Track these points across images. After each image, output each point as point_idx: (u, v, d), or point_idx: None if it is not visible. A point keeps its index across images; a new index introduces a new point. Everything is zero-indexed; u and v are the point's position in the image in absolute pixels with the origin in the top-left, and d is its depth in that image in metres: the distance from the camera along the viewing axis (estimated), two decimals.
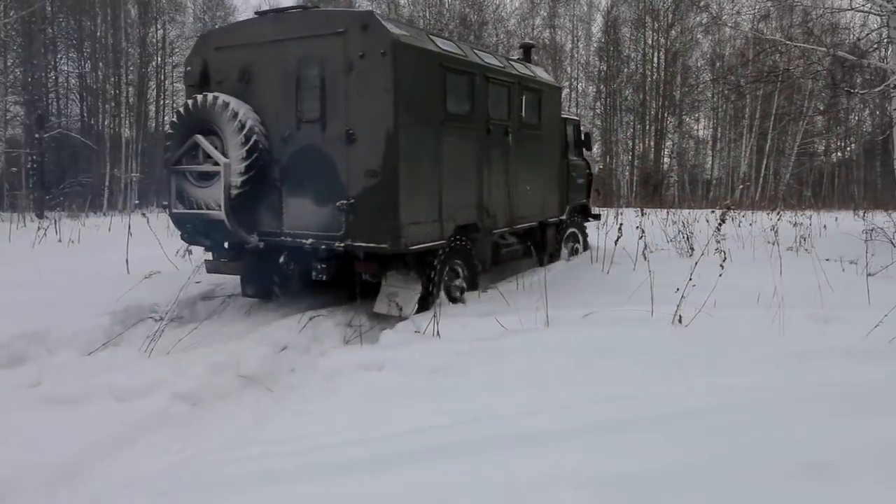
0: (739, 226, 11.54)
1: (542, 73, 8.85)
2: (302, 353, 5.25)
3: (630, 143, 35.17)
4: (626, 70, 34.93)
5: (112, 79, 30.38)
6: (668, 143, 35.56)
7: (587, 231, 10.58)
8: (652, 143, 34.52)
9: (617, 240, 8.94)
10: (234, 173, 5.75)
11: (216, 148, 5.80)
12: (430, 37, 6.30)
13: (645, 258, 8.41)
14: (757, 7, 21.00)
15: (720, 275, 5.44)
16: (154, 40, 32.74)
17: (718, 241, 5.99)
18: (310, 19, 5.90)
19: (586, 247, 10.37)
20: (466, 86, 6.53)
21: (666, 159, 35.48)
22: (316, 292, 7.25)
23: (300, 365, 4.98)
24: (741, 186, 28.52)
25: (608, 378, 4.19)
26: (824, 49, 12.66)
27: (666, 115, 34.64)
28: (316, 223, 5.84)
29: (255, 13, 6.46)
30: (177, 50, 32.74)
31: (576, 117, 10.79)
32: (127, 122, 30.21)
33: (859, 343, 4.66)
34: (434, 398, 4.14)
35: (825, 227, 12.73)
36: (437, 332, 5.22)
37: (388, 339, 5.30)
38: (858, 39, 14.78)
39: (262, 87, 6.02)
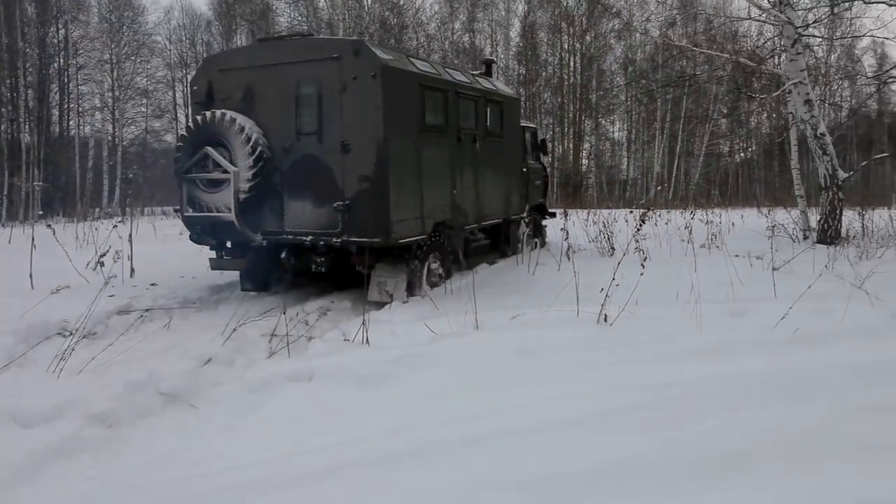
0: (656, 224, 12.02)
1: (502, 87, 9.72)
2: (227, 366, 5.03)
3: (550, 146, 36.04)
4: (544, 74, 35.77)
5: (8, 81, 28.35)
6: (586, 145, 36.72)
7: (545, 228, 11.47)
8: (571, 146, 35.52)
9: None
10: (242, 180, 6.47)
11: (224, 158, 6.46)
12: (411, 59, 7.11)
13: (569, 259, 8.64)
14: (664, 14, 22.01)
15: (641, 274, 5.64)
16: (55, 41, 30.80)
17: (638, 241, 6.22)
18: (307, 46, 6.74)
19: (544, 242, 11.18)
20: (441, 101, 7.35)
21: (584, 161, 36.60)
22: (243, 299, 7.03)
23: (225, 379, 4.76)
24: (658, 188, 29.74)
25: (538, 380, 4.26)
26: (727, 55, 13.41)
27: (583, 117, 35.73)
28: (315, 222, 6.55)
29: (258, 39, 7.34)
30: (81, 51, 30.94)
31: (533, 125, 11.49)
32: (27, 127, 28.28)
33: (769, 335, 4.94)
34: (364, 408, 4.09)
35: (733, 224, 13.45)
36: (367, 339, 5.16)
37: (316, 349, 5.21)
38: (756, 47, 15.73)
39: (264, 104, 6.72)
